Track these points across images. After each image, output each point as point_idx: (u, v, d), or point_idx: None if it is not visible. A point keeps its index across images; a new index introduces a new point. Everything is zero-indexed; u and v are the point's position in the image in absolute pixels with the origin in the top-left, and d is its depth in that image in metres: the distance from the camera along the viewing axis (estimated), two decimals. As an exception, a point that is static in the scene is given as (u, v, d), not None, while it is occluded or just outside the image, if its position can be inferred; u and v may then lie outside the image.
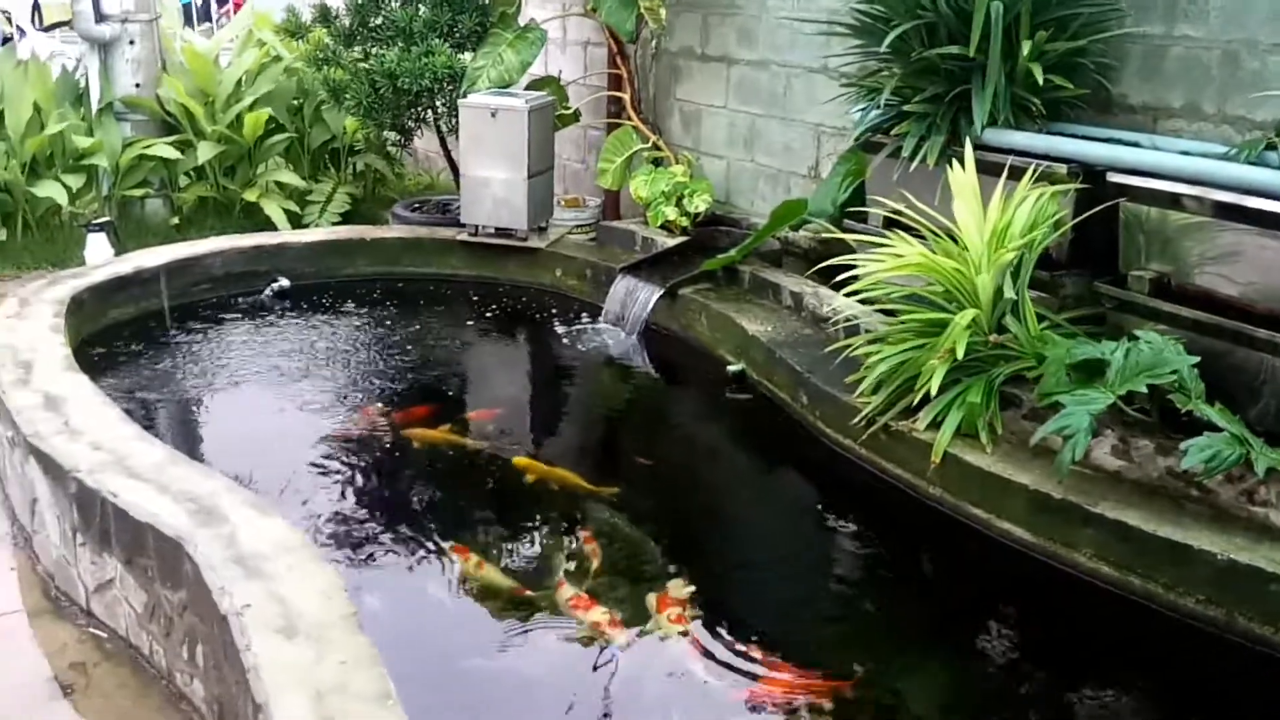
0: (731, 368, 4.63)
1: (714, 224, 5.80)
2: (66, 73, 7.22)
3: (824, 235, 5.24)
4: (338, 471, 3.91)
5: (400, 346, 5.10)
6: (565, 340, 5.25)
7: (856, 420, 3.72)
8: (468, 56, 6.20)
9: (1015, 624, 3.16)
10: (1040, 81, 3.75)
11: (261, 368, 4.78)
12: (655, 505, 3.75)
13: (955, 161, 3.76)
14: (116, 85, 7.00)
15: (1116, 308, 3.66)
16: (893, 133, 4.04)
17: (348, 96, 6.10)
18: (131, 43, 6.90)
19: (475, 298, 5.74)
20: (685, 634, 2.99)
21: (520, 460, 3.93)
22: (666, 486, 3.96)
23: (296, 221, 7.03)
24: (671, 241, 5.59)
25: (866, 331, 4.01)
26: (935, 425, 3.51)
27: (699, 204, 5.72)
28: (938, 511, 3.50)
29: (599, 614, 3.05)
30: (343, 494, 3.77)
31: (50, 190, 6.50)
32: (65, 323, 4.41)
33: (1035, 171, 3.60)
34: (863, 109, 4.31)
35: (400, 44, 6.01)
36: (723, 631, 3.01)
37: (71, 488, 3.19)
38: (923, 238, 3.76)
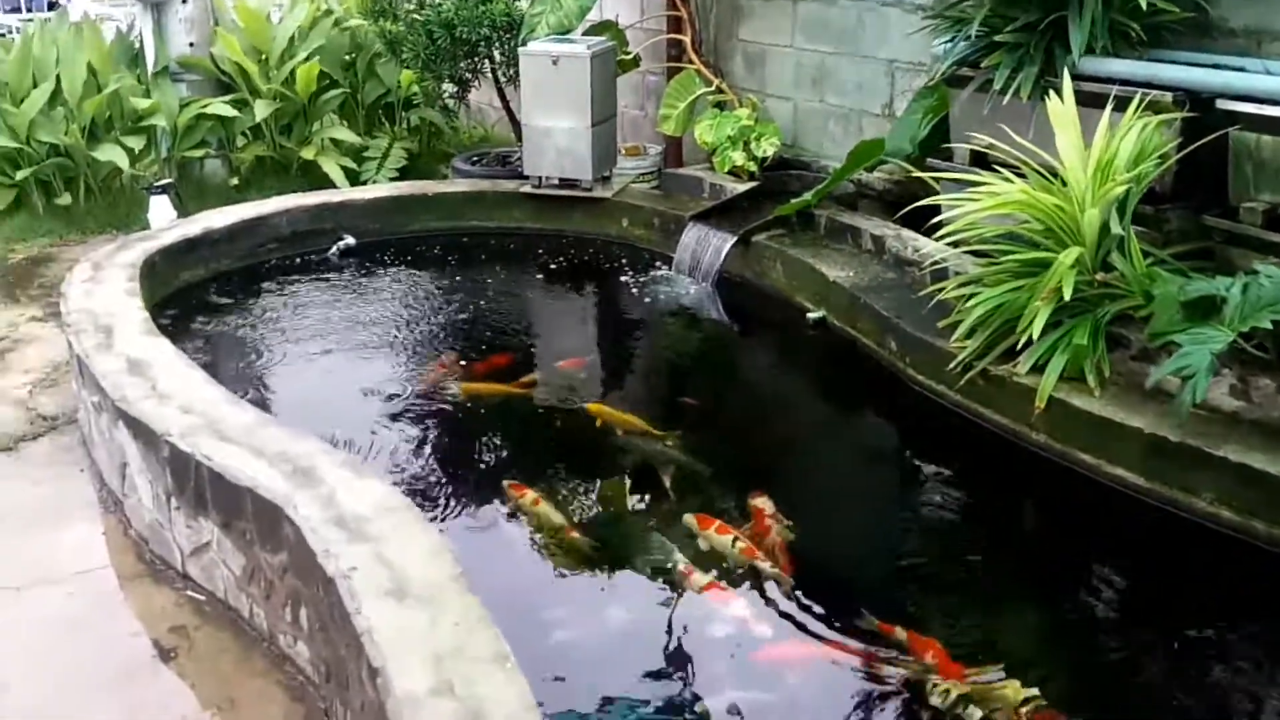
0: (811, 315, 4.52)
1: (782, 168, 5.66)
2: (121, 35, 7.17)
3: (900, 176, 5.11)
4: (419, 425, 3.88)
5: (471, 301, 5.04)
6: (636, 291, 5.15)
7: (952, 366, 3.60)
8: (524, 3, 6.07)
9: (1131, 571, 3.06)
10: (1143, 5, 3.56)
11: (335, 326, 4.73)
12: (744, 455, 3.67)
13: (1053, 93, 3.59)
14: (171, 45, 6.94)
15: (1225, 241, 3.50)
16: (982, 65, 3.87)
17: (404, 49, 6.00)
18: (184, 1, 6.83)
19: (541, 250, 5.66)
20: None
21: (593, 406, 3.92)
22: (754, 437, 3.88)
23: (354, 178, 6.97)
24: (741, 187, 5.46)
25: (957, 274, 3.88)
26: (1038, 369, 3.39)
27: (767, 148, 5.59)
28: (1042, 458, 3.39)
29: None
30: (424, 447, 3.74)
31: (111, 153, 6.48)
32: (140, 286, 4.39)
33: (1141, 101, 3.43)
34: (947, 41, 4.14)
35: (457, -8, 5.88)
36: (823, 586, 2.94)
37: (164, 452, 3.17)
38: (1019, 175, 3.62)
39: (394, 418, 3.93)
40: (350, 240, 5.58)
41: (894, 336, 3.97)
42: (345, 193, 5.83)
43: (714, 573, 3.00)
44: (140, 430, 3.28)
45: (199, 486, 3.07)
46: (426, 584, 2.48)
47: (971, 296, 3.65)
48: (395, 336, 4.65)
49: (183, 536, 3.23)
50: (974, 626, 2.85)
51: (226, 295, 5.03)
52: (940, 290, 3.79)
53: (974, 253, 3.77)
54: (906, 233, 4.47)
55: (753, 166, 5.61)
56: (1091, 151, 3.36)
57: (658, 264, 5.35)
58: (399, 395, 4.08)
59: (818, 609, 2.87)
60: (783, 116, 5.87)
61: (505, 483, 3.46)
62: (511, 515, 3.35)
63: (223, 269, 5.25)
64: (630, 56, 6.17)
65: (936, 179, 4.21)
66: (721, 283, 4.99)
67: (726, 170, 5.63)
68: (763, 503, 3.23)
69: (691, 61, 6.10)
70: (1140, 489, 3.14)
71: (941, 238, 3.72)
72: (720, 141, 5.66)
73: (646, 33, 6.53)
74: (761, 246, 4.93)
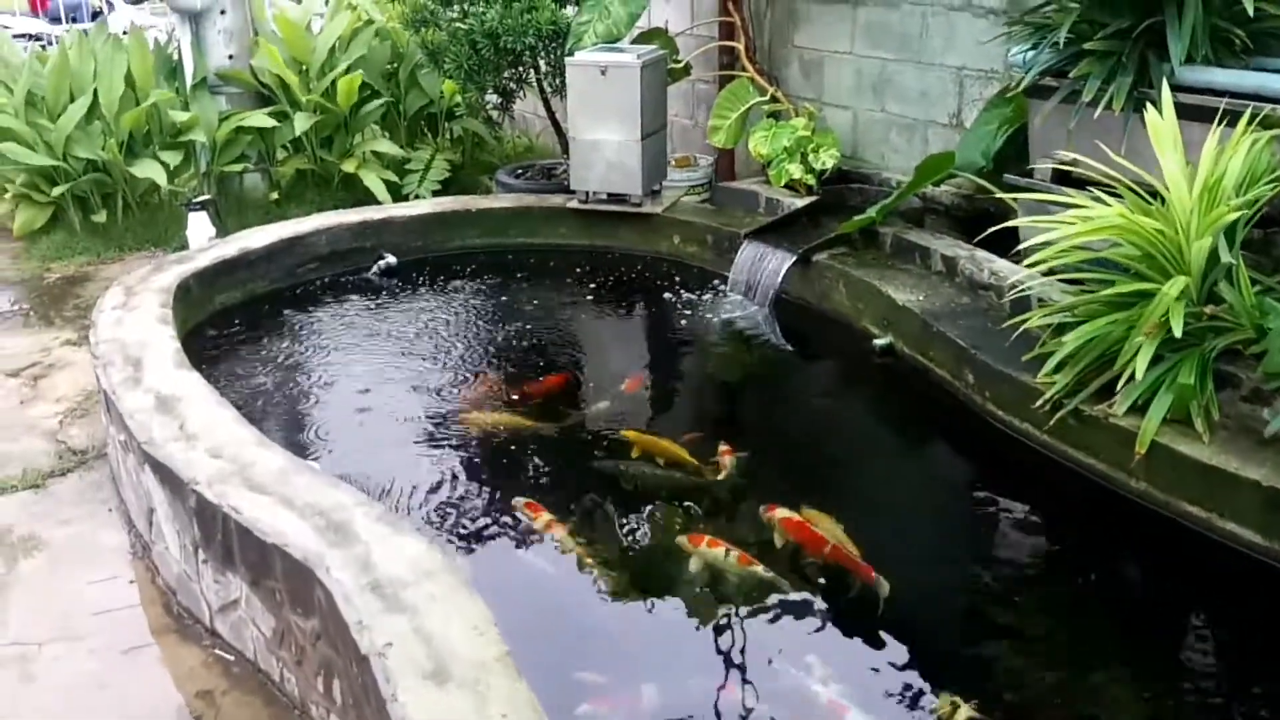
0: (878, 341, 4.23)
1: (841, 181, 5.38)
2: (160, 46, 7.03)
3: (970, 191, 4.82)
4: (460, 454, 3.67)
5: (517, 322, 4.81)
6: (690, 312, 4.89)
7: (1039, 404, 3.31)
8: (571, 11, 5.83)
9: (1246, 638, 2.75)
10: (1250, 10, 3.24)
11: (376, 351, 4.51)
12: (809, 494, 3.40)
13: (1150, 106, 3.29)
14: (210, 57, 6.78)
15: (1343, 268, 3.18)
16: (1070, 75, 3.56)
17: (447, 59, 5.78)
18: (223, 12, 6.67)
19: (589, 268, 5.42)
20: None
21: (630, 433, 3.70)
22: (816, 473, 3.61)
23: (396, 192, 6.78)
24: (799, 202, 5.19)
25: (1042, 303, 3.58)
26: (1137, 410, 3.09)
27: (826, 160, 5.31)
28: (1142, 508, 3.08)
29: None
30: (463, 480, 3.53)
31: (149, 170, 6.33)
32: (173, 312, 4.20)
33: (1255, 116, 3.11)
34: (1029, 49, 3.83)
35: (500, 1, 5.65)
36: (900, 646, 2.67)
37: (191, 501, 2.96)
38: (1112, 194, 3.32)
39: (434, 447, 3.71)
40: (391, 259, 5.37)
41: (972, 368, 3.67)
42: (386, 209, 5.62)
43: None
44: (166, 476, 3.08)
45: (226, 540, 2.85)
46: (470, 664, 2.23)
47: (1060, 328, 3.35)
48: (438, 360, 4.43)
49: (211, 591, 3.03)
50: (1064, 691, 2.56)
51: (264, 319, 4.83)
52: (1024, 320, 3.48)
53: (1061, 279, 3.47)
54: (981, 254, 4.17)
55: (811, 180, 5.33)
56: (1198, 171, 3.05)
57: (712, 283, 5.09)
58: (441, 423, 3.86)
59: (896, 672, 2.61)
60: (841, 126, 5.59)
61: (519, 501, 3.32)
62: (549, 555, 3.13)
63: (260, 291, 5.06)
64: (681, 64, 5.91)
65: (1015, 197, 3.91)
66: (779, 304, 4.72)
67: (783, 184, 5.36)
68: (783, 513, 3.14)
69: (745, 69, 5.84)
70: (1257, 547, 2.83)
71: (1029, 262, 3.41)
72: (776, 153, 5.39)
73: (697, 39, 6.27)
74: (823, 266, 4.65)
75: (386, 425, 3.88)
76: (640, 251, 5.48)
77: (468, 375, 4.30)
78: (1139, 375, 2.97)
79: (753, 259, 4.88)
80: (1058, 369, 3.32)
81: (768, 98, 5.68)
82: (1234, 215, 2.94)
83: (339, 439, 3.82)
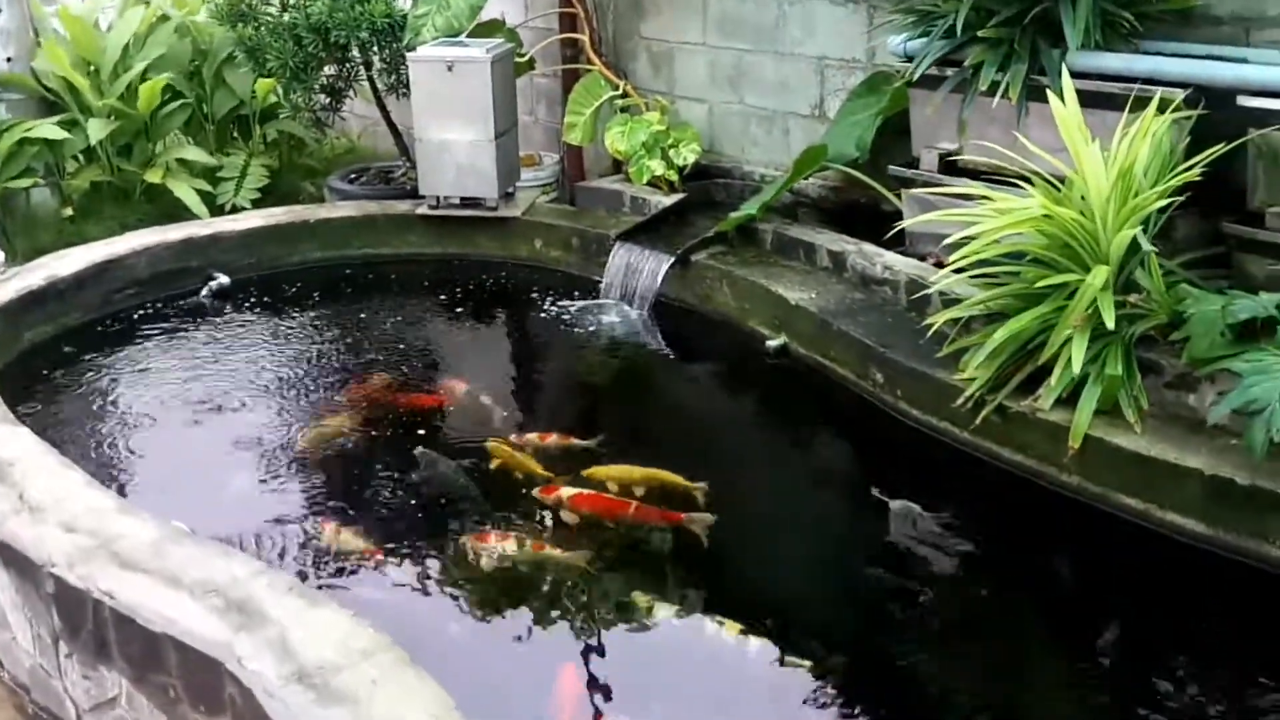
0: (771, 343, 4.09)
1: (703, 176, 5.22)
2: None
3: (838, 183, 4.76)
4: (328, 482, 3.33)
5: (369, 341, 4.43)
6: (562, 320, 4.62)
7: (961, 402, 3.23)
8: (405, 3, 5.44)
9: (1198, 625, 2.74)
10: (1136, -9, 3.25)
11: (218, 387, 4.02)
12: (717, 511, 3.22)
13: (1050, 94, 3.25)
14: (-18, 60, 6.00)
15: (1240, 248, 3.23)
16: (967, 63, 3.50)
17: (269, 57, 5.28)
18: (-2, 9, 5.91)
19: (445, 279, 5.07)
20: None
21: (493, 444, 3.49)
22: (720, 479, 3.40)
23: (210, 202, 6.19)
24: (665, 200, 5.00)
25: (944, 296, 3.51)
26: (1063, 403, 3.05)
27: (687, 155, 5.13)
28: (1076, 502, 3.04)
29: None
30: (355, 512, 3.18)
31: (-82, 189, 5.54)
32: (-21, 358, 3.64)
33: (1153, 100, 3.11)
34: (916, 37, 3.75)
35: (327, -9, 5.20)
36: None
37: (48, 587, 2.50)
38: (1006, 184, 3.28)
39: (308, 487, 3.34)
40: (224, 279, 4.86)
41: (880, 367, 3.57)
42: (212, 224, 5.09)
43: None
44: (12, 558, 2.60)
45: (100, 630, 2.42)
46: (437, 764, 1.93)
47: (968, 323, 3.29)
48: (289, 389, 4.01)
49: (78, 689, 2.57)
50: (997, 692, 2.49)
51: (84, 356, 4.26)
52: (942, 318, 3.39)
53: (971, 274, 3.40)
54: (869, 247, 4.09)
55: (673, 176, 5.14)
56: (1112, 159, 3.03)
57: (581, 289, 4.83)
58: (305, 459, 3.49)
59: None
60: (698, 120, 5.42)
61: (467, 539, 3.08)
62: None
63: (74, 323, 4.47)
64: (526, 59, 5.61)
65: (904, 191, 3.86)
66: (659, 308, 4.52)
67: (645, 181, 5.14)
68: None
69: (590, 63, 5.59)
70: (1199, 535, 2.83)
71: (955, 258, 3.25)
72: (635, 150, 5.17)
73: (534, 32, 5.97)
74: (703, 266, 4.47)
75: (247, 469, 3.46)
76: (499, 258, 5.17)
77: (318, 402, 3.91)
78: (1076, 368, 2.92)
79: (626, 262, 4.66)
80: (975, 365, 3.25)
81: (620, 92, 5.45)
82: (1157, 204, 2.93)
83: (200, 491, 3.38)
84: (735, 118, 5.31)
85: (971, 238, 3.11)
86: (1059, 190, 3.16)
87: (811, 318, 3.91)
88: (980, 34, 3.43)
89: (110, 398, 3.95)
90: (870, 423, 3.59)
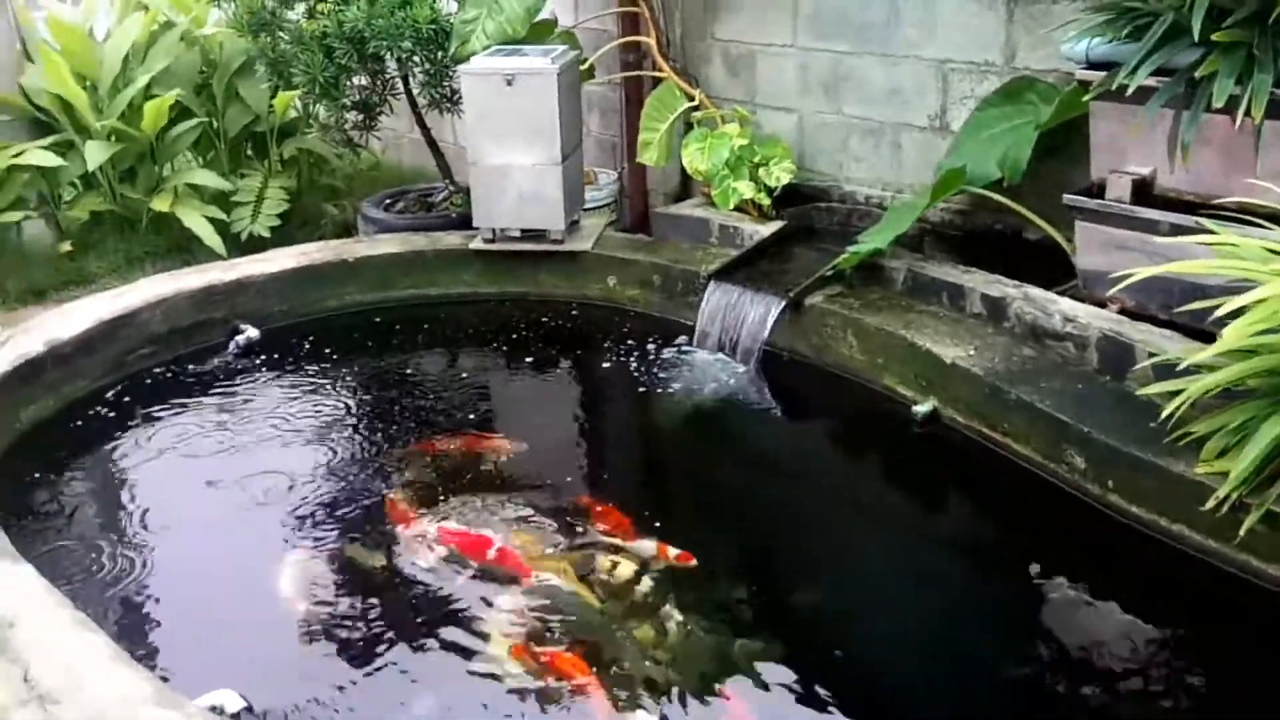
0: (918, 408, 3.41)
1: (797, 200, 4.56)
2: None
3: (965, 206, 4.10)
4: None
5: (425, 403, 3.77)
6: (650, 376, 3.94)
7: (1211, 503, 2.56)
8: (446, 4, 4.75)
9: None
10: None
11: (256, 476, 3.31)
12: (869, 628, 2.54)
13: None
14: (-37, 78, 5.30)
15: None
16: (1199, 73, 2.81)
17: (295, 70, 4.59)
18: (-21, 20, 5.21)
19: (505, 323, 4.38)
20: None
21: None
22: (874, 608, 2.75)
23: (225, 231, 5.51)
24: (762, 229, 4.32)
25: (1153, 356, 2.84)
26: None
27: (780, 175, 4.47)
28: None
29: None
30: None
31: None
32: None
33: None
34: (1107, 40, 3.07)
35: (361, -6, 4.50)
36: None
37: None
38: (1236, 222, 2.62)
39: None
40: (252, 332, 4.18)
41: (1082, 450, 2.90)
42: (237, 266, 4.40)
43: None
44: (16, 785, 1.93)
45: None
46: None
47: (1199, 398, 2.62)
48: (334, 472, 3.34)
49: None
50: None
51: (93, 440, 3.57)
52: (1176, 399, 2.70)
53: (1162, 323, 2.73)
54: (1037, 292, 3.41)
55: (764, 199, 4.48)
56: None
57: (663, 337, 4.14)
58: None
59: None
60: (784, 132, 4.74)
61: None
62: None
63: (80, 394, 3.79)
64: (586, 66, 4.92)
65: (1072, 220, 3.18)
66: (768, 361, 3.84)
67: (732, 206, 4.47)
68: None
69: (657, 68, 4.91)
70: None
71: (1231, 332, 2.52)
72: (717, 169, 4.50)
73: (588, 34, 5.28)
74: (820, 311, 3.80)
75: (307, 599, 2.78)
76: (566, 297, 4.49)
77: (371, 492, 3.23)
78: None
79: (724, 305, 3.99)
80: (1221, 454, 2.59)
81: (695, 103, 4.77)
82: None
83: (254, 636, 2.68)
84: (831, 130, 4.62)
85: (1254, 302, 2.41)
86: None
87: (974, 381, 3.23)
88: (1214, 37, 2.75)
89: (129, 496, 3.25)
90: (1070, 520, 2.90)
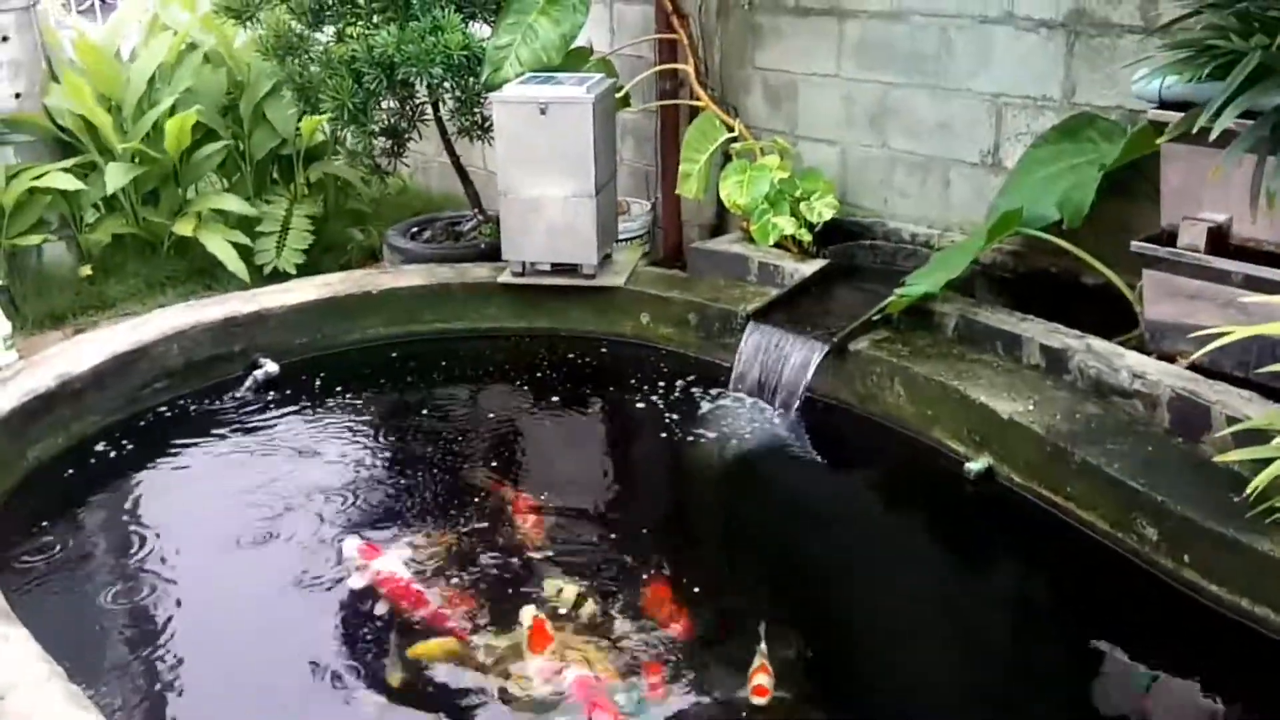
0: (971, 465, 3.20)
1: (835, 235, 4.36)
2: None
3: (1018, 248, 3.91)
4: None
5: (450, 449, 3.60)
6: (684, 422, 3.74)
7: (1303, 586, 2.35)
8: (478, 30, 4.60)
9: None
10: None
11: (275, 522, 3.18)
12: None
13: None
14: (-13, 97, 5.19)
15: None
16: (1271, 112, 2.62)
17: (323, 96, 4.44)
18: (5, 39, 5.09)
19: (532, 361, 4.21)
20: None
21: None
22: (931, 686, 2.55)
23: (248, 256, 5.38)
24: (804, 267, 4.13)
25: (1230, 419, 2.63)
26: None
27: (823, 210, 4.30)
28: None
29: None
30: None
31: (-91, 252, 4.74)
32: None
33: None
34: (1186, 80, 2.87)
35: (392, 17, 4.36)
36: None
37: None
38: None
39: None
40: (271, 366, 4.02)
41: (1155, 521, 2.69)
42: (257, 297, 4.25)
43: None
44: None
45: None
46: None
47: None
48: (358, 522, 3.16)
49: None
50: None
51: (103, 482, 3.42)
52: (1206, 440, 2.53)
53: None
54: (1101, 344, 3.20)
55: (805, 236, 4.30)
56: None
57: (699, 379, 3.96)
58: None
59: None
60: (825, 165, 4.56)
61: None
62: None
63: (91, 430, 3.63)
64: (622, 94, 4.76)
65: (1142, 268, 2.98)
66: (809, 409, 3.65)
67: (771, 242, 4.29)
68: None
69: (695, 97, 4.74)
70: None
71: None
72: (756, 203, 4.32)
73: (624, 61, 5.13)
74: (866, 358, 3.60)
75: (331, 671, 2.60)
76: (597, 335, 4.31)
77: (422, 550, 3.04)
78: None
79: (764, 347, 3.79)
80: (1312, 532, 2.37)
81: (734, 134, 4.60)
82: None
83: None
84: (876, 164, 4.44)
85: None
86: None
87: (1034, 439, 3.03)
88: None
89: (139, 545, 3.07)
90: (1141, 595, 2.69)
